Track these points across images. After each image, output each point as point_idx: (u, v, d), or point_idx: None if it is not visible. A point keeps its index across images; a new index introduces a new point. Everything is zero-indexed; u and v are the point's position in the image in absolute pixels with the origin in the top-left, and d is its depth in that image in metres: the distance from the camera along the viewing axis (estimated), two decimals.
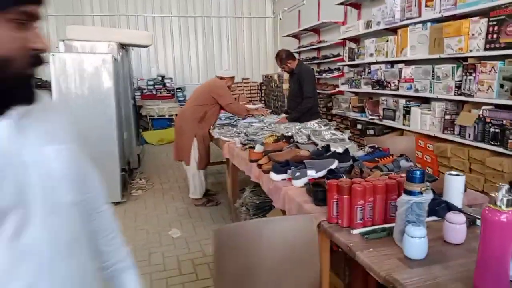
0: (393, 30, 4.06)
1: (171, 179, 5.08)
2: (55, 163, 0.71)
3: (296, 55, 5.01)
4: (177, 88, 9.11)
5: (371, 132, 4.31)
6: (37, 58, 0.66)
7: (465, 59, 3.07)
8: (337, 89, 5.67)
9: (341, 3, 5.30)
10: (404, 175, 1.32)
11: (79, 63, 3.62)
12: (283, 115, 4.18)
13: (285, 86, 7.65)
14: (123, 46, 4.38)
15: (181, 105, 8.79)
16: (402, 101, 3.87)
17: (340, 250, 1.96)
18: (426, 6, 3.50)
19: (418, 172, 1.24)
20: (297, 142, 2.62)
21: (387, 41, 4.11)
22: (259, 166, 2.39)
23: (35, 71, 0.68)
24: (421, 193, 1.24)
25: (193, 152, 3.84)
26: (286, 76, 7.59)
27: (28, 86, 0.67)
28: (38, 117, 0.72)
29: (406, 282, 1.10)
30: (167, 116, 8.25)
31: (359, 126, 4.76)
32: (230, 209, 3.71)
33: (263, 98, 9.08)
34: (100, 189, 0.93)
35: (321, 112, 5.22)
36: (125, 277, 0.94)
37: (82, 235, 0.78)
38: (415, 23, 3.63)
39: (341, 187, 1.48)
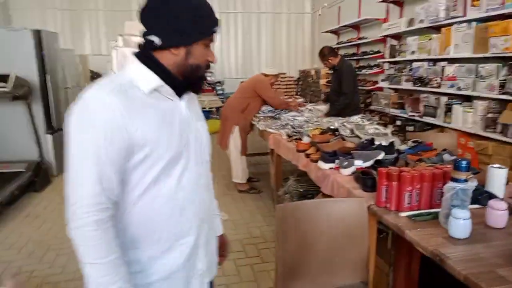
0: (437, 28, 4.12)
1: (214, 168, 5.28)
2: (202, 133, 1.12)
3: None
4: (217, 82, 9.44)
5: (411, 128, 4.39)
6: (208, 66, 1.06)
7: (510, 58, 3.12)
8: (376, 86, 5.76)
9: (383, 1, 5.37)
10: (448, 167, 1.49)
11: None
12: (322, 106, 4.39)
13: (322, 81, 7.78)
14: None
15: (220, 98, 9.12)
16: (444, 99, 3.94)
17: (382, 235, 2.17)
18: (472, 5, 3.55)
19: (464, 162, 1.41)
20: (342, 134, 2.80)
21: (430, 39, 4.17)
22: (307, 155, 2.60)
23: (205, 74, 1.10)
24: (466, 180, 1.41)
25: (234, 139, 4.16)
26: (323, 71, 7.72)
27: (201, 83, 1.09)
28: (194, 102, 1.14)
29: (452, 255, 1.29)
30: (207, 109, 8.59)
31: (398, 123, 4.85)
32: (272, 196, 3.94)
33: (299, 93, 9.24)
34: None
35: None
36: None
37: (210, 181, 1.20)
38: (460, 22, 3.68)
39: (391, 174, 1.66)
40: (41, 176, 4.40)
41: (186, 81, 1.02)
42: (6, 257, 2.94)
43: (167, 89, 0.99)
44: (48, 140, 4.74)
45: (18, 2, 8.89)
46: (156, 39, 0.95)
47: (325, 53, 4.18)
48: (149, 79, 0.96)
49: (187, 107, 1.06)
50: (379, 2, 5.41)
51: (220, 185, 4.60)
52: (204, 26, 0.99)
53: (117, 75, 1.01)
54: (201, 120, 1.14)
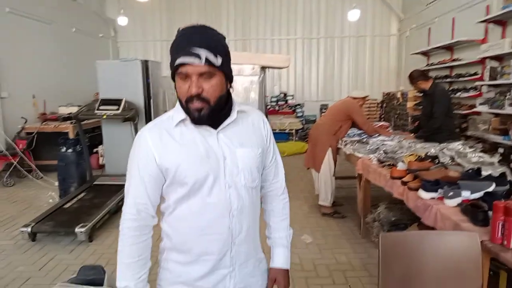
0: None
1: (296, 189, 5.42)
2: (239, 160, 1.14)
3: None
4: (297, 105, 9.60)
5: None
6: (193, 98, 1.05)
7: None
8: (473, 110, 5.34)
9: (483, 21, 5.03)
10: None
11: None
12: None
13: (409, 104, 7.45)
14: (263, 68, 4.92)
15: (300, 120, 9.23)
16: None
17: (491, 273, 1.99)
18: None
19: None
20: (442, 162, 2.66)
21: None
22: (404, 183, 2.51)
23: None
24: None
25: (327, 161, 4.15)
26: (411, 93, 7.40)
27: (192, 115, 1.08)
28: (240, 127, 1.17)
29: None
30: (287, 131, 8.74)
31: (500, 150, 4.42)
32: (358, 222, 3.84)
33: (382, 116, 8.94)
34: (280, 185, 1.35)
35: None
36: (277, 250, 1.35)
37: (246, 206, 1.17)
38: None
39: (509, 209, 1.55)
40: None
41: (187, 113, 1.09)
42: (114, 260, 3.28)
43: (189, 121, 1.11)
44: None
45: (125, 35, 10.16)
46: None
47: (414, 76, 4.07)
48: (177, 113, 1.12)
49: (223, 134, 1.12)
50: (479, 22, 5.08)
51: (303, 207, 4.62)
52: (171, 61, 1.05)
53: (168, 111, 1.19)
54: (245, 146, 1.15)
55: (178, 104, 1.13)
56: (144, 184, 1.11)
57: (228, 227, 1.13)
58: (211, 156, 1.10)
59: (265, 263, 1.33)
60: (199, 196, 1.11)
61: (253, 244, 1.24)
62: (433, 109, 3.91)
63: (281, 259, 1.31)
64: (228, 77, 1.10)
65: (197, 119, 1.07)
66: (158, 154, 1.09)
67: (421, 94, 4.46)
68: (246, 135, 1.17)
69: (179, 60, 1.01)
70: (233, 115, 1.13)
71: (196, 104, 1.04)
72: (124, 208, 1.14)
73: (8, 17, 6.33)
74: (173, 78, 1.09)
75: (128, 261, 1.12)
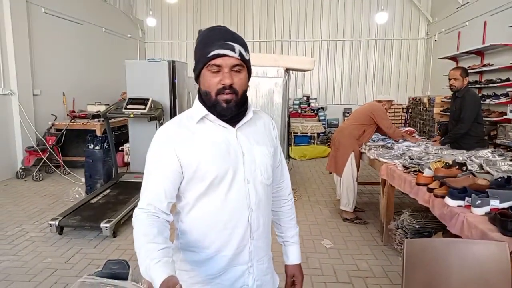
0: None
1: (316, 193, 5.39)
2: (256, 157, 1.18)
3: None
4: (319, 108, 9.53)
5: None
6: (225, 89, 1.09)
7: None
8: (504, 117, 5.16)
9: None
10: None
11: (256, 85, 4.28)
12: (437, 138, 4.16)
13: (436, 109, 7.28)
14: (288, 70, 4.93)
15: (322, 123, 9.16)
16: None
17: None
18: None
19: None
20: (470, 170, 2.58)
21: None
22: (430, 190, 2.46)
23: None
24: None
25: (350, 165, 4.10)
26: (438, 99, 7.23)
27: (219, 108, 1.11)
28: (258, 126, 1.23)
29: None
30: (309, 134, 8.69)
31: None
32: (380, 229, 3.78)
33: (408, 122, 8.77)
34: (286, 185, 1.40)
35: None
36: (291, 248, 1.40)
37: (263, 202, 1.20)
38: None
39: None
40: None
41: (208, 108, 1.12)
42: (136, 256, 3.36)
43: (213, 117, 1.13)
44: None
45: (152, 36, 10.38)
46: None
47: (464, 71, 3.85)
48: (198, 110, 1.14)
49: (241, 132, 1.16)
50: (511, 26, 4.91)
51: (324, 211, 4.59)
52: (201, 56, 1.09)
53: (186, 111, 1.21)
54: (262, 145, 1.20)
55: (196, 103, 1.17)
56: (162, 181, 1.10)
57: (248, 221, 1.16)
58: (231, 152, 1.13)
59: (272, 262, 1.36)
60: (220, 191, 1.12)
61: (267, 241, 1.28)
62: (462, 113, 3.78)
63: (296, 256, 1.39)
64: (250, 75, 1.17)
65: (225, 109, 1.10)
66: (179, 149, 1.10)
67: (449, 100, 4.33)
68: (261, 135, 1.23)
69: (215, 51, 1.06)
70: (250, 113, 1.18)
71: (227, 95, 1.08)
72: (139, 204, 1.11)
73: (44, 17, 6.60)
74: (198, 74, 1.13)
75: (144, 241, 1.01)
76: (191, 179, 1.12)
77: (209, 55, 1.06)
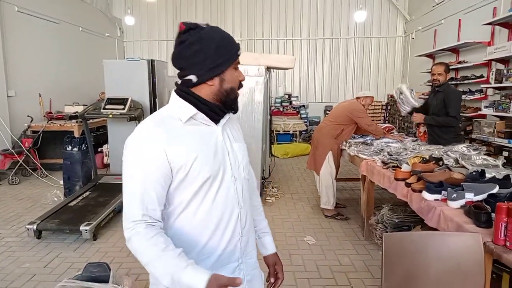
0: None
1: (299, 190, 5.43)
2: (238, 153, 1.21)
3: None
4: (301, 106, 9.60)
5: None
6: (241, 85, 1.18)
7: None
8: (479, 112, 5.32)
9: (489, 23, 5.01)
10: None
11: None
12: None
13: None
14: (268, 69, 4.93)
15: (304, 121, 9.22)
16: None
17: (494, 275, 1.99)
18: None
19: None
20: (446, 164, 2.65)
21: None
22: (408, 185, 2.52)
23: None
24: None
25: (327, 164, 4.14)
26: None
27: (237, 102, 1.18)
28: (232, 125, 1.25)
29: None
30: (291, 132, 8.74)
31: (505, 153, 4.41)
32: (361, 224, 3.84)
33: (387, 118, 8.93)
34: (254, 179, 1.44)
35: None
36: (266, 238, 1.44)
37: (247, 197, 1.23)
38: None
39: None
40: None
41: (224, 104, 1.15)
42: (118, 259, 3.31)
43: (202, 116, 1.13)
44: None
45: (131, 35, 10.22)
46: (193, 78, 1.10)
47: (447, 67, 3.81)
48: (185, 109, 1.11)
49: (224, 130, 1.18)
50: (484, 24, 5.07)
51: (306, 208, 4.62)
52: (229, 53, 1.12)
53: (160, 110, 1.17)
54: (239, 141, 1.24)
55: (179, 102, 1.12)
56: (153, 187, 1.04)
57: (238, 218, 1.17)
58: (219, 151, 1.14)
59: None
60: (212, 191, 1.11)
61: (253, 235, 1.31)
62: (448, 107, 3.77)
63: (273, 245, 1.43)
64: None
65: (237, 108, 1.19)
66: (170, 151, 1.04)
67: (426, 97, 4.37)
68: (236, 131, 1.27)
69: (239, 50, 1.14)
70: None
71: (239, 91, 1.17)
72: (128, 217, 1.04)
73: (17, 16, 6.40)
74: (219, 72, 1.11)
75: (157, 251, 0.98)
76: (181, 181, 1.08)
77: (238, 53, 1.13)
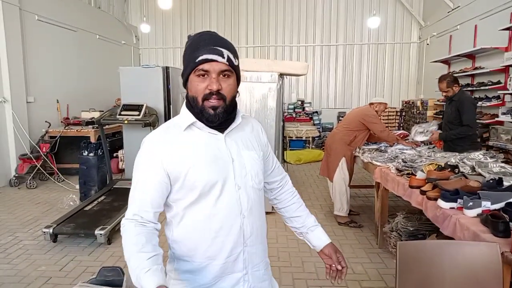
0: None
1: (312, 197, 5.40)
2: (246, 161, 1.17)
3: None
4: (314, 112, 9.58)
5: None
6: (212, 94, 1.08)
7: None
8: (496, 119, 5.22)
9: (506, 28, 4.93)
10: None
11: (250, 90, 4.30)
12: (433, 127, 4.05)
13: (430, 112, 7.34)
14: (281, 75, 4.95)
15: (317, 128, 9.19)
16: None
17: None
18: None
19: None
20: (462, 172, 2.61)
21: None
22: (423, 192, 2.48)
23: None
24: None
25: (340, 171, 4.12)
26: (431, 102, 7.30)
27: (207, 114, 1.10)
28: (244, 131, 1.22)
29: None
30: (304, 138, 8.72)
31: None
32: (375, 232, 3.79)
33: (402, 125, 8.83)
34: (285, 181, 1.44)
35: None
36: None
37: (255, 207, 1.19)
38: None
39: None
40: None
41: (196, 114, 1.11)
42: None
43: (200, 124, 1.12)
44: None
45: (146, 42, 10.41)
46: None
47: (450, 80, 3.85)
48: (186, 117, 1.13)
49: (230, 138, 1.16)
50: (502, 30, 4.99)
51: (319, 215, 4.59)
52: (187, 61, 1.09)
53: (173, 118, 1.21)
54: (251, 149, 1.20)
55: (183, 110, 1.15)
56: (148, 191, 1.09)
57: (240, 228, 1.15)
58: (220, 159, 1.12)
59: (270, 268, 1.35)
60: (210, 199, 1.11)
61: (262, 246, 1.27)
62: (463, 117, 3.75)
63: (326, 235, 1.38)
64: (239, 81, 1.16)
65: (213, 116, 1.08)
66: (166, 159, 1.09)
67: (442, 103, 4.35)
68: (249, 139, 1.23)
69: (202, 56, 1.05)
70: (238, 119, 1.19)
71: (213, 101, 1.07)
72: (126, 214, 1.11)
73: (37, 24, 6.60)
74: (186, 79, 1.11)
75: (133, 250, 1.02)
76: (180, 188, 1.11)
77: (197, 60, 1.05)
